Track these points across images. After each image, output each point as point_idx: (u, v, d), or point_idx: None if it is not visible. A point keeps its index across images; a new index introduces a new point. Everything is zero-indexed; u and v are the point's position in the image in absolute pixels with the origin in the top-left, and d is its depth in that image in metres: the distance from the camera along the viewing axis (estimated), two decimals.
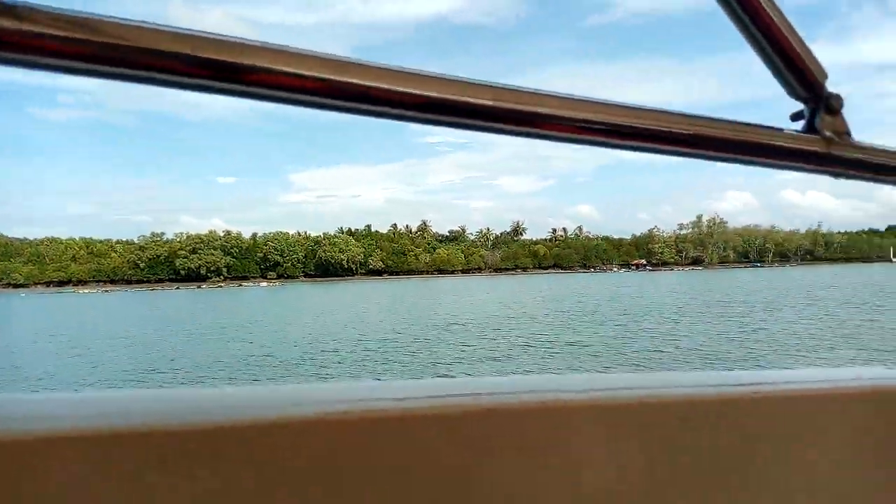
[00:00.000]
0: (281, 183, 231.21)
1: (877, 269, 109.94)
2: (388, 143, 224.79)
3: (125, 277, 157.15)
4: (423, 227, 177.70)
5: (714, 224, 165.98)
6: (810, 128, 0.81)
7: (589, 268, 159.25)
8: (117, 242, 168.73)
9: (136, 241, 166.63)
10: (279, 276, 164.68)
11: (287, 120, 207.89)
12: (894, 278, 66.12)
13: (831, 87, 0.74)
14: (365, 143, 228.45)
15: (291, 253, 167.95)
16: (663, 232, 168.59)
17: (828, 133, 0.81)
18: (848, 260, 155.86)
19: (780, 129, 0.79)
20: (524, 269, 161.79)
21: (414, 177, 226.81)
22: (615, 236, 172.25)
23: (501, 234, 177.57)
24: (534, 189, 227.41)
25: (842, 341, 21.01)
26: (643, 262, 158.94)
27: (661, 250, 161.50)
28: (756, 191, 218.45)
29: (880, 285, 52.84)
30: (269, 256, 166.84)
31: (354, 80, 0.56)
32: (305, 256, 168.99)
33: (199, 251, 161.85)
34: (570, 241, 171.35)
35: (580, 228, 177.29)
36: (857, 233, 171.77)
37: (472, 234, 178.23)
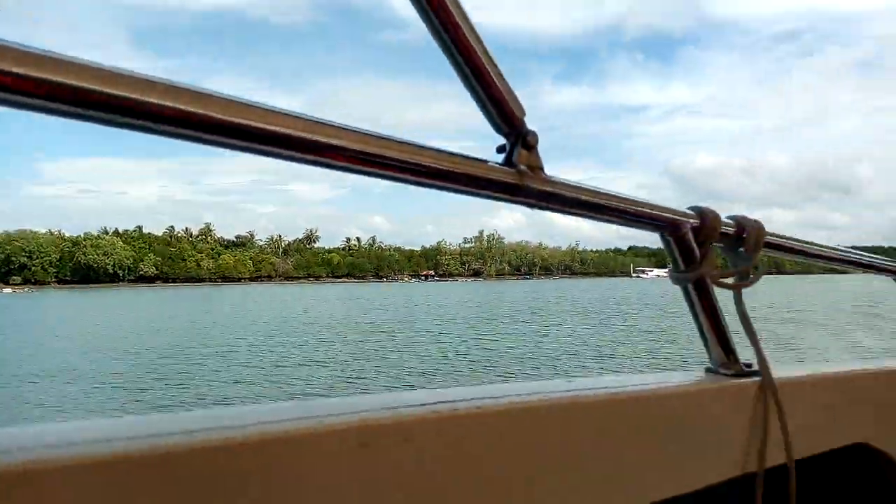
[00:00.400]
0: (28, 172, 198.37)
1: (623, 282, 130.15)
2: None
3: None
4: (207, 231, 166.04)
5: (492, 240, 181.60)
6: (508, 161, 0.87)
7: (381, 277, 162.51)
8: None
9: None
10: (26, 282, 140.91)
11: None
12: (636, 291, 79.18)
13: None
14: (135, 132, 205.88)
15: (42, 254, 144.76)
16: (450, 245, 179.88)
17: (522, 167, 0.87)
18: (599, 274, 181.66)
19: (485, 161, 0.84)
20: (317, 277, 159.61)
21: (194, 175, 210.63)
22: (407, 247, 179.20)
23: (294, 241, 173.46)
24: (327, 197, 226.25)
25: (617, 343, 25.02)
26: (431, 272, 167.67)
27: (447, 262, 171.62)
28: (525, 210, 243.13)
29: (625, 297, 62.94)
30: (14, 258, 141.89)
31: (70, 82, 0.52)
32: (61, 259, 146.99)
33: None
34: (364, 250, 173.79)
35: (374, 238, 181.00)
36: (605, 251, 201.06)
37: (261, 239, 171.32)
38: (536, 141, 0.87)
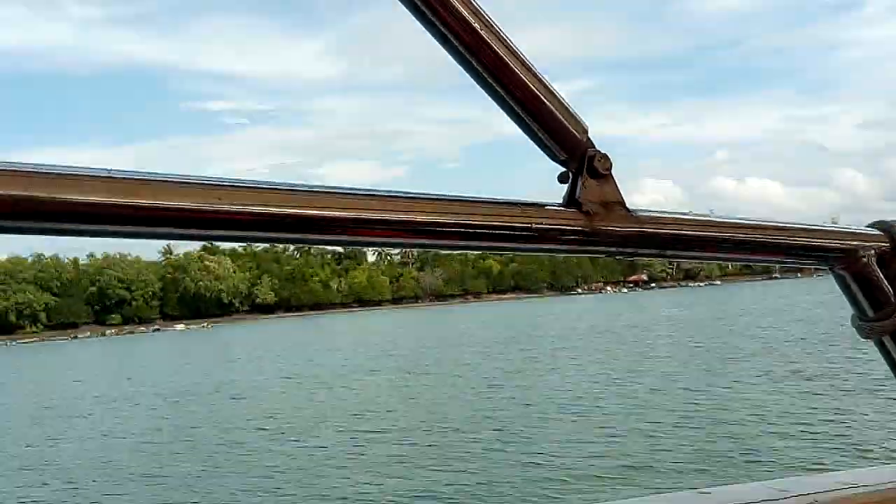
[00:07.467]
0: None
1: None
2: (138, 108, 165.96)
3: None
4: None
5: None
6: (571, 199, 0.66)
7: (563, 290, 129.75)
8: None
9: None
10: (126, 321, 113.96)
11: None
12: None
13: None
14: (90, 110, 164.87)
15: (143, 284, 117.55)
16: None
17: (592, 204, 0.66)
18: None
19: (538, 205, 0.65)
20: (476, 294, 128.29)
21: (196, 162, 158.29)
22: None
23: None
24: (379, 178, 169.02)
25: None
26: (643, 277, 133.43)
27: (650, 262, 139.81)
28: (678, 178, 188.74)
29: None
30: (110, 290, 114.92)
31: None
32: (164, 288, 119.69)
33: (5, 285, 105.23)
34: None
35: None
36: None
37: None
38: (609, 166, 0.65)
